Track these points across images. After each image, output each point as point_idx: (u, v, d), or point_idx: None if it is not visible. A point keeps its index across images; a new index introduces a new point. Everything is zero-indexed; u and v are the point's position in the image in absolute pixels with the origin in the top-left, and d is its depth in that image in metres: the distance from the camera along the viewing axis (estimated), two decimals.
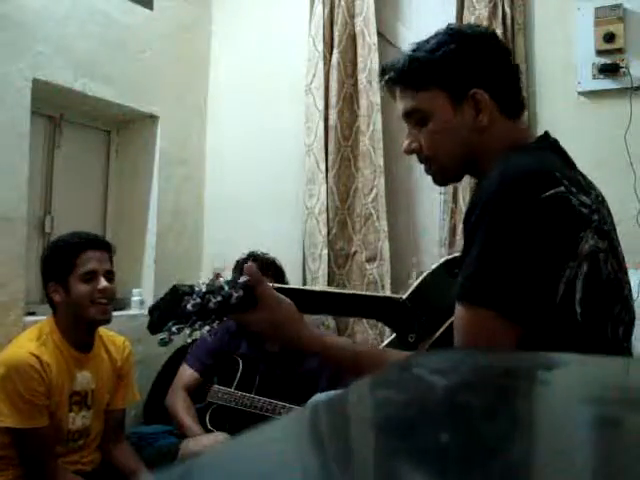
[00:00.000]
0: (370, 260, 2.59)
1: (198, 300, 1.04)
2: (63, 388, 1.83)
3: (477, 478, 0.33)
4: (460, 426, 0.43)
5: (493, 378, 0.56)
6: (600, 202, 1.05)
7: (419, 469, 0.36)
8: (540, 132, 1.14)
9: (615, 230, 1.07)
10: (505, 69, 1.11)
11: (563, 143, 1.10)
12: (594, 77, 2.29)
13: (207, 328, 1.09)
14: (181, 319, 1.05)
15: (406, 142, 1.13)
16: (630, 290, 1.07)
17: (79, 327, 1.89)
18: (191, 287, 1.05)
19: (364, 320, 2.55)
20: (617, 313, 1.01)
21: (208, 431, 2.21)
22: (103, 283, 1.86)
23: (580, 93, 2.33)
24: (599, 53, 2.27)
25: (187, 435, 2.17)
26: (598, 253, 0.96)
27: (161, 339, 1.06)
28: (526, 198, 0.92)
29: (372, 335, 2.53)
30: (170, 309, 1.04)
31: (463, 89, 1.06)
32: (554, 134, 1.12)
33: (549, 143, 1.10)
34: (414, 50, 1.10)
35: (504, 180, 0.94)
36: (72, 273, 1.84)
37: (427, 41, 1.10)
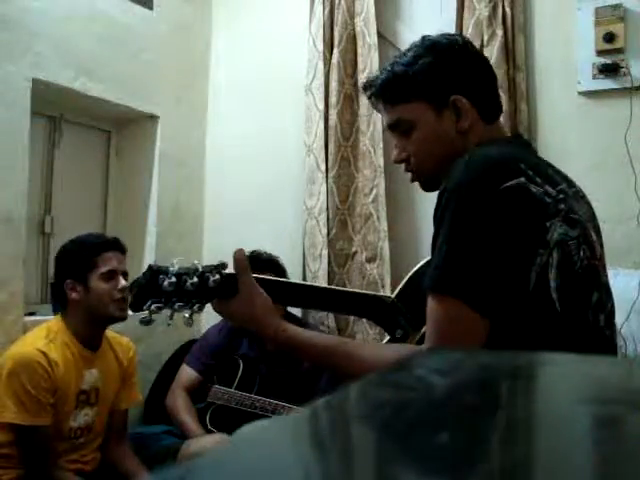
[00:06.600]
0: (370, 260, 2.59)
1: (174, 279, 1.06)
2: (70, 386, 1.84)
3: (477, 478, 0.33)
4: (459, 427, 0.43)
5: (493, 378, 0.56)
6: (575, 194, 1.06)
7: (419, 469, 0.36)
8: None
9: (593, 223, 1.09)
10: (482, 75, 1.14)
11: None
12: (594, 77, 2.28)
13: (188, 312, 1.11)
14: (160, 298, 1.07)
15: (395, 152, 1.19)
16: (607, 277, 1.08)
17: (94, 324, 1.93)
18: (166, 267, 1.08)
19: (364, 320, 2.55)
20: (596, 301, 1.02)
21: (208, 431, 2.21)
22: (122, 282, 1.95)
23: (580, 93, 2.32)
24: (599, 53, 2.27)
25: (187, 435, 2.17)
26: (568, 241, 0.98)
27: (142, 318, 1.08)
28: (487, 189, 0.95)
29: (372, 334, 2.53)
30: (147, 287, 1.07)
31: (443, 97, 1.10)
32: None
33: (521, 139, 1.12)
34: (392, 64, 1.15)
35: (467, 171, 0.98)
36: (92, 271, 1.90)
37: (404, 54, 1.15)
